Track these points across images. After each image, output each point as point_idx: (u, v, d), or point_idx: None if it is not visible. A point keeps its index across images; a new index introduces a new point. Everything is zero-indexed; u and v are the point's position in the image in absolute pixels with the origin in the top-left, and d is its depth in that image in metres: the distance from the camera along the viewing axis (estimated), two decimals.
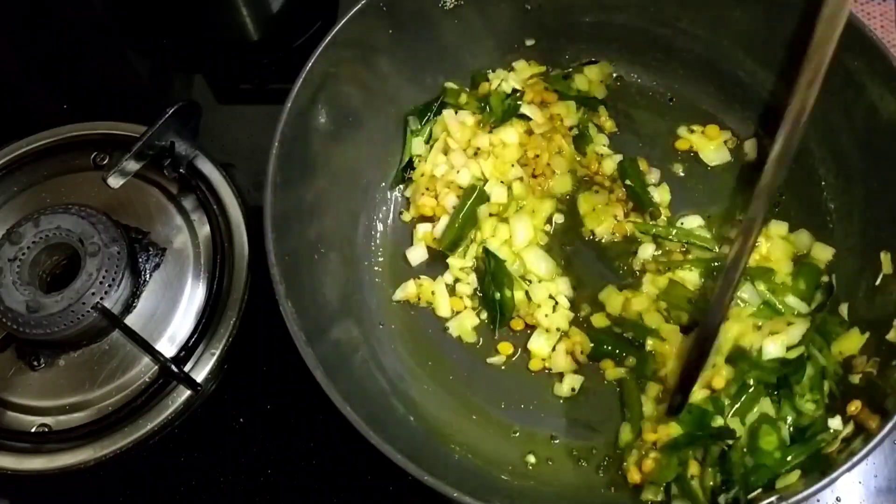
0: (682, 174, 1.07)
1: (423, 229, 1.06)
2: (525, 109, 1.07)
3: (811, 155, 1.00)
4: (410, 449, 0.87)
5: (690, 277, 0.99)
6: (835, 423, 0.84)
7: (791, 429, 0.86)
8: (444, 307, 1.02)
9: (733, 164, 1.07)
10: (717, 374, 0.89)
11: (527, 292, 1.00)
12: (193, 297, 1.09)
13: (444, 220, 1.04)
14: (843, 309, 0.93)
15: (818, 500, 0.94)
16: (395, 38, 1.01)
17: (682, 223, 1.03)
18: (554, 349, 0.98)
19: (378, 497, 0.97)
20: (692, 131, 1.09)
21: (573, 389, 0.96)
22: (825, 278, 0.98)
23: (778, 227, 1.01)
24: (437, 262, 1.05)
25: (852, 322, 0.91)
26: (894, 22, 1.25)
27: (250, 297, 1.07)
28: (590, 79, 1.11)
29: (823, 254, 0.98)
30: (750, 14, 0.97)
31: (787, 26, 0.94)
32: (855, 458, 0.74)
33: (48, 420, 1.03)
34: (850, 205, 0.96)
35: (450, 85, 1.10)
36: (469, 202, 1.02)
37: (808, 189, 1.01)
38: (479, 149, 1.06)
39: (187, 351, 1.03)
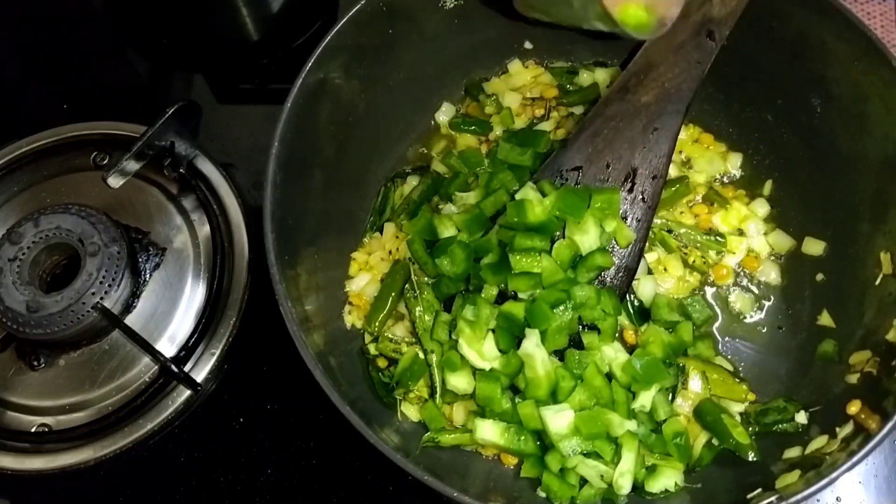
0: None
1: None
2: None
3: (813, 159, 1.00)
4: (409, 449, 0.88)
5: None
6: (800, 417, 0.89)
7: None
8: None
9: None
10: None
11: None
12: (193, 297, 1.09)
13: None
14: (824, 317, 0.94)
15: (818, 500, 0.94)
16: (394, 39, 1.01)
17: None
18: None
19: (378, 497, 0.97)
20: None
21: None
22: (820, 277, 0.98)
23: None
24: None
25: (840, 326, 0.92)
26: (894, 22, 1.25)
27: (250, 297, 1.07)
28: (597, 79, 1.11)
29: (815, 248, 0.99)
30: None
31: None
32: (855, 458, 0.74)
33: (48, 420, 1.03)
34: (851, 205, 0.96)
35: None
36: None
37: (807, 190, 1.01)
38: None
39: (187, 351, 1.03)
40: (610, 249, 0.95)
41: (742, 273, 1.03)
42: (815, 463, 0.80)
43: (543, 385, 0.87)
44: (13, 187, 1.18)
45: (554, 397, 0.88)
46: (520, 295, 0.92)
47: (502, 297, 0.93)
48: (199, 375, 1.03)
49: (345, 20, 0.94)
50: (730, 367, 0.97)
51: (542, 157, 1.03)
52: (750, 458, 0.88)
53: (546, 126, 1.09)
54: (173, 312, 1.08)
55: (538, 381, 0.87)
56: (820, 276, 0.98)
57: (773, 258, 1.03)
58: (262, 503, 0.98)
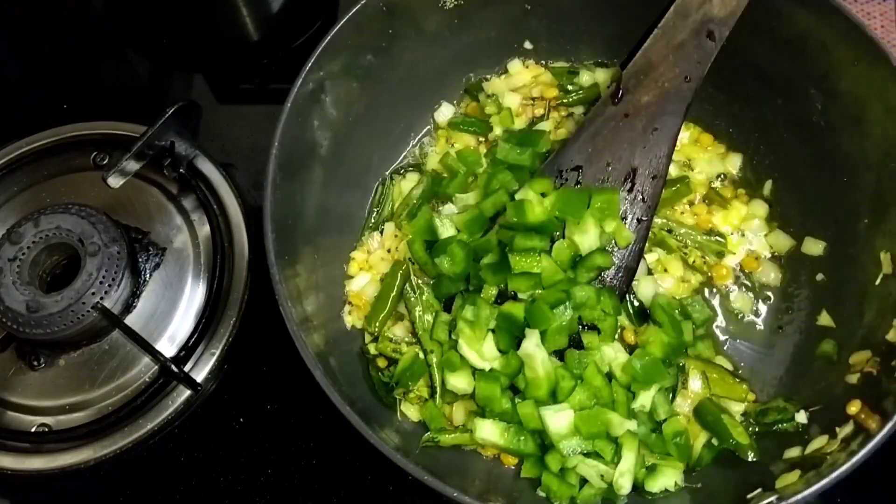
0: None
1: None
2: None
3: (813, 159, 1.00)
4: (409, 449, 0.88)
5: None
6: (800, 416, 0.88)
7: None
8: None
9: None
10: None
11: None
12: (193, 297, 1.09)
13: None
14: (824, 317, 0.94)
15: None
16: (394, 39, 1.01)
17: None
18: None
19: (378, 497, 0.97)
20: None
21: None
22: (820, 277, 0.98)
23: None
24: None
25: (840, 326, 0.92)
26: (894, 22, 1.25)
27: (250, 297, 1.07)
28: (597, 79, 1.10)
29: (815, 248, 0.99)
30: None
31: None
32: (855, 458, 0.74)
33: (48, 420, 1.03)
34: (851, 205, 0.96)
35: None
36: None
37: (807, 190, 1.01)
38: None
39: (187, 351, 1.03)
40: (610, 249, 0.95)
41: (742, 273, 1.03)
42: (815, 463, 0.80)
43: (543, 385, 0.87)
44: (13, 187, 1.18)
45: (554, 397, 0.88)
46: (520, 295, 0.92)
47: (502, 297, 0.93)
48: (199, 375, 1.03)
49: (345, 20, 0.94)
50: (730, 367, 0.97)
51: (542, 157, 1.03)
52: (750, 458, 0.88)
53: (546, 126, 1.09)
54: (173, 312, 1.08)
55: (538, 381, 0.87)
56: (820, 276, 0.98)
57: (772, 258, 1.03)
58: (262, 503, 0.98)
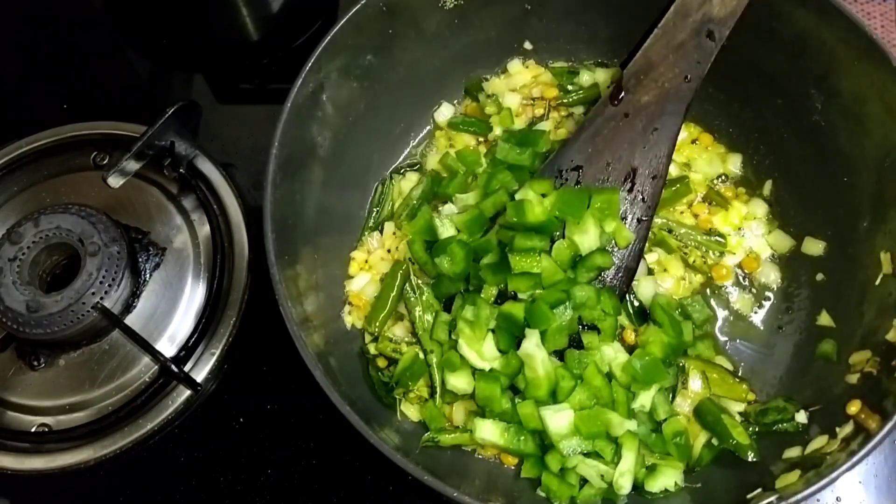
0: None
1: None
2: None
3: (813, 159, 1.00)
4: (409, 449, 0.88)
5: None
6: (800, 416, 0.89)
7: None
8: None
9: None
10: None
11: None
12: (193, 297, 1.09)
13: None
14: (824, 317, 0.95)
15: (818, 500, 0.94)
16: (394, 39, 1.01)
17: None
18: None
19: (378, 497, 0.97)
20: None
21: None
22: (820, 277, 0.98)
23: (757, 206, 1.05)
24: None
25: (840, 326, 0.92)
26: (894, 22, 1.25)
27: (250, 297, 1.07)
28: (597, 79, 1.11)
29: (815, 248, 0.99)
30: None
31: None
32: (855, 458, 0.74)
33: (48, 420, 1.03)
34: (851, 205, 0.96)
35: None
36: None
37: (807, 190, 1.01)
38: None
39: (187, 351, 1.03)
40: (610, 249, 0.95)
41: (742, 273, 1.03)
42: (815, 463, 0.80)
43: (543, 385, 0.87)
44: (13, 187, 1.18)
45: (554, 397, 0.88)
46: (520, 295, 0.92)
47: (502, 297, 0.93)
48: (199, 375, 1.03)
49: (345, 20, 0.94)
50: (730, 367, 0.97)
51: (542, 157, 1.03)
52: (750, 458, 0.88)
53: (546, 126, 1.09)
54: (173, 312, 1.08)
55: (538, 381, 0.87)
56: (820, 276, 0.98)
57: (772, 258, 1.03)
58: (262, 503, 0.98)
